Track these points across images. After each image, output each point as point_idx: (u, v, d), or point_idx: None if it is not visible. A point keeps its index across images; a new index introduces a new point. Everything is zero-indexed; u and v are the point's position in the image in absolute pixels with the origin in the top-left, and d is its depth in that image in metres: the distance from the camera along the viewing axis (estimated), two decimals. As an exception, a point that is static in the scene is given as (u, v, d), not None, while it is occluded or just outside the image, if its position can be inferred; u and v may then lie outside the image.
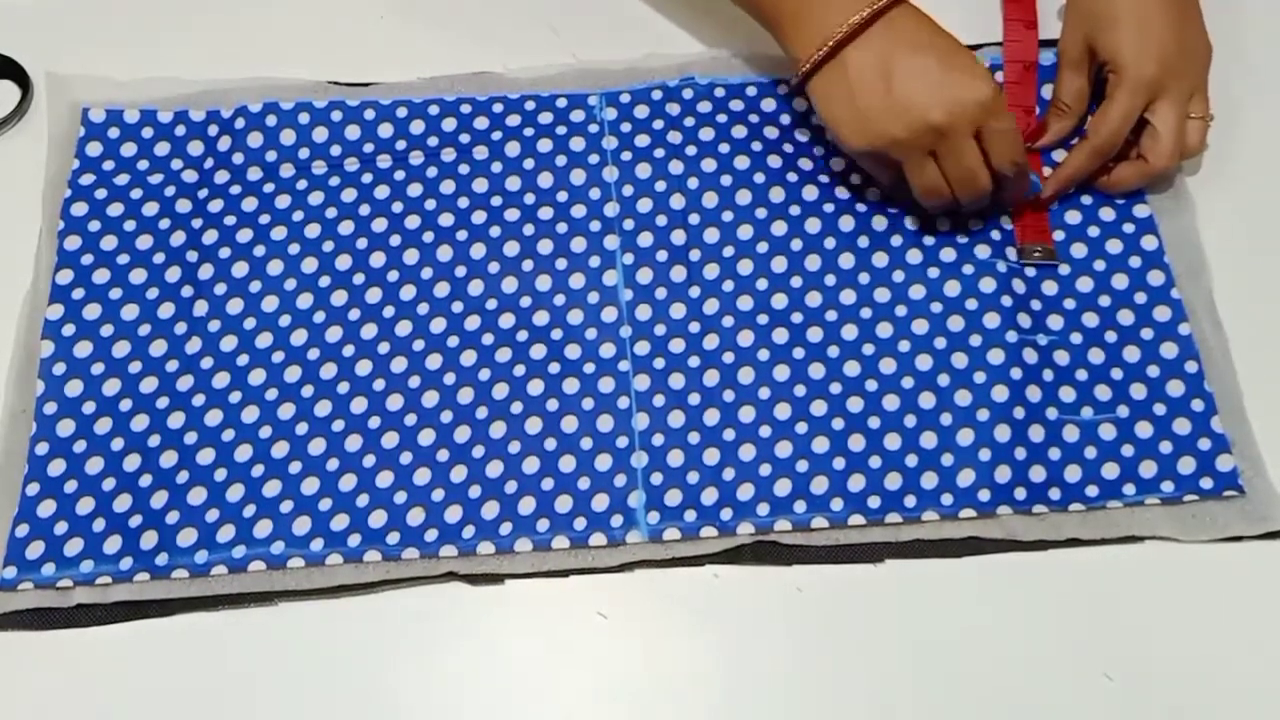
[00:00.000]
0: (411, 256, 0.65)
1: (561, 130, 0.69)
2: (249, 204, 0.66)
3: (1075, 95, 0.67)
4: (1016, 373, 0.61)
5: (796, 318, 0.63)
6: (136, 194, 0.66)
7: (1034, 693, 0.55)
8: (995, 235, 0.65)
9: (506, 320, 0.63)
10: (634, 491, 0.59)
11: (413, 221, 0.66)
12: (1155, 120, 0.64)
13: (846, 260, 0.65)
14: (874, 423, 0.60)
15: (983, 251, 0.64)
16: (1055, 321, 0.63)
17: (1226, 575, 0.57)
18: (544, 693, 0.55)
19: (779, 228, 0.65)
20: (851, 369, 0.62)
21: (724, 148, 0.68)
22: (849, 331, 0.63)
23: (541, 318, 0.63)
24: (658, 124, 0.68)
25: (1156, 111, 0.64)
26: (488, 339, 0.63)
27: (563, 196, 0.67)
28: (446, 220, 0.66)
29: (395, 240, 0.65)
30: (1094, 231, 0.66)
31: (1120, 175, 0.66)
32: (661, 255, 0.65)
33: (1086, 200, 0.67)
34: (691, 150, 0.68)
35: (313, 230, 0.65)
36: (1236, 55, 0.72)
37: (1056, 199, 0.66)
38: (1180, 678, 0.55)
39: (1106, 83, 0.65)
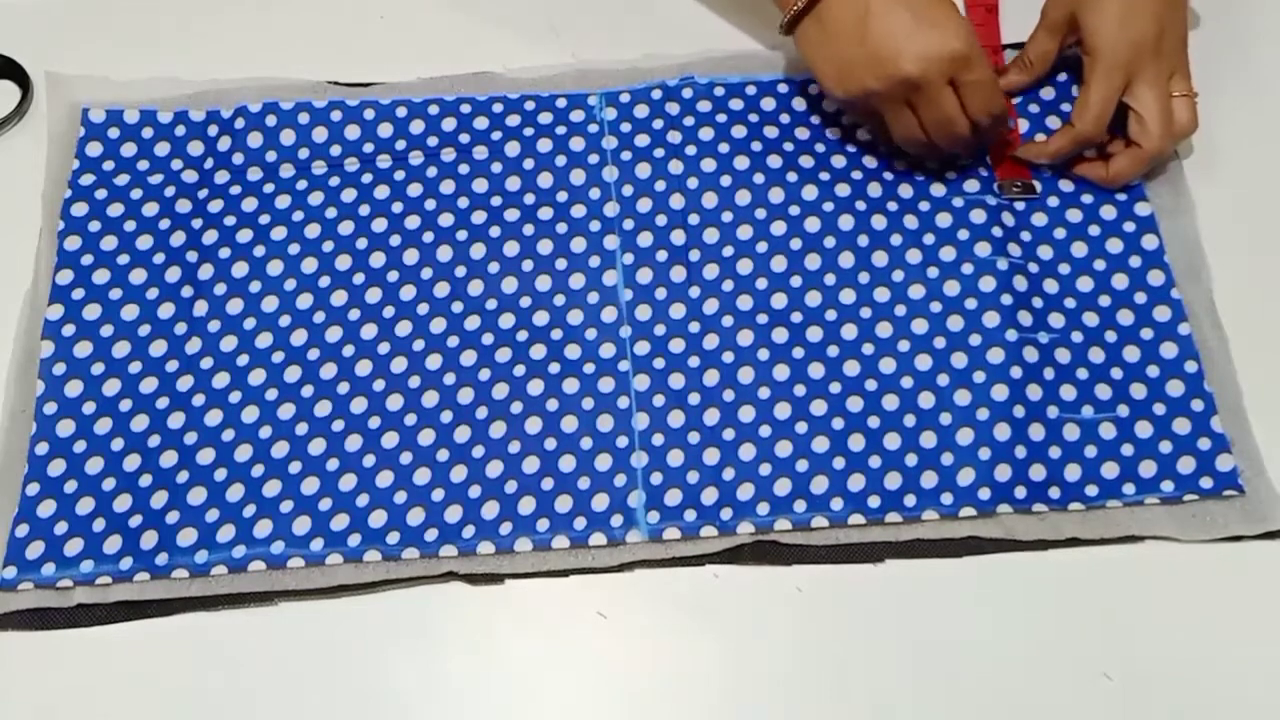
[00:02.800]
0: (411, 256, 0.65)
1: (561, 130, 0.69)
2: (249, 204, 0.66)
3: (1041, 56, 0.68)
4: (1016, 372, 0.61)
5: (796, 317, 0.63)
6: (136, 194, 0.66)
7: (1034, 693, 0.55)
8: (997, 232, 0.65)
9: (506, 320, 0.63)
10: (634, 491, 0.59)
11: (412, 221, 0.66)
12: (1136, 104, 0.64)
13: (846, 259, 0.65)
14: (874, 422, 0.60)
15: (983, 250, 0.64)
16: (1055, 320, 0.63)
17: (1226, 575, 0.57)
18: (544, 693, 0.55)
19: (778, 227, 0.65)
20: (851, 368, 0.62)
21: (724, 147, 0.68)
22: (849, 331, 0.63)
23: (541, 318, 0.63)
24: (657, 124, 0.68)
25: (1135, 94, 0.64)
26: (488, 339, 0.63)
27: (562, 196, 0.67)
28: (446, 220, 0.66)
29: (395, 240, 0.65)
30: (1094, 231, 0.66)
31: (1117, 168, 0.66)
32: (661, 255, 0.65)
33: (1087, 199, 0.67)
34: (691, 150, 0.67)
35: (312, 230, 0.65)
36: (1237, 55, 0.72)
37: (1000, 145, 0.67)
38: (1180, 678, 0.55)
39: (1083, 65, 0.65)
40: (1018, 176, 0.67)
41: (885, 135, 0.65)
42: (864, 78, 0.61)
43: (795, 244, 0.65)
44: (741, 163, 0.67)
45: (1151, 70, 0.64)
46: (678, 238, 0.65)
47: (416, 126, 0.69)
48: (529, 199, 0.67)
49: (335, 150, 0.68)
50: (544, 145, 0.68)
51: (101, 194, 0.66)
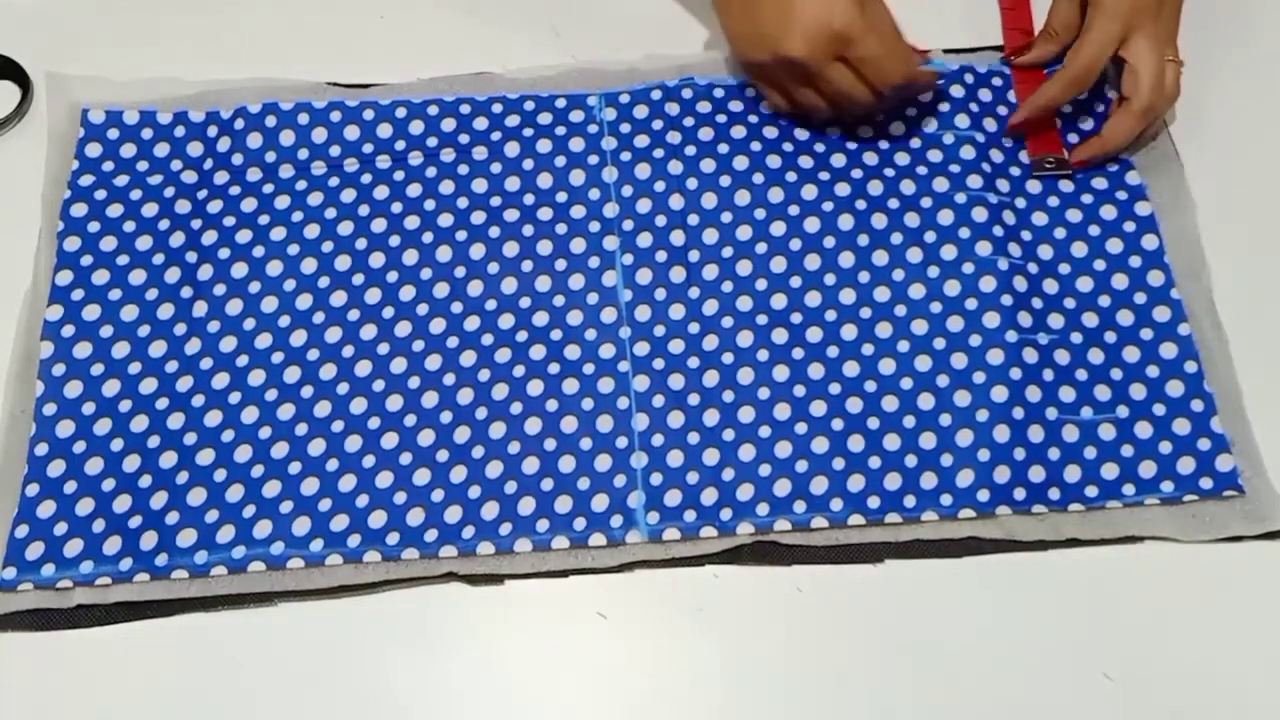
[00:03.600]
0: (411, 257, 0.65)
1: (561, 131, 0.69)
2: (248, 205, 0.66)
3: (1063, 23, 0.69)
4: (1016, 373, 0.61)
5: (796, 318, 0.63)
6: (136, 195, 0.66)
7: (1034, 693, 0.55)
8: (998, 231, 0.65)
9: (506, 321, 0.63)
10: (634, 492, 0.59)
11: (412, 222, 0.66)
12: (1131, 57, 0.65)
13: (846, 259, 0.65)
14: (873, 423, 0.60)
15: (984, 249, 0.64)
16: (1055, 321, 0.63)
17: (1226, 575, 0.57)
18: (544, 693, 0.55)
19: (778, 228, 0.65)
20: (851, 369, 0.62)
21: (723, 148, 0.67)
22: (848, 331, 0.63)
23: (541, 318, 0.63)
24: (657, 124, 0.68)
25: (1131, 47, 0.65)
26: (487, 339, 0.63)
27: (562, 197, 0.67)
28: (446, 221, 0.66)
29: (394, 241, 0.65)
30: (1094, 231, 0.66)
31: (1110, 130, 0.66)
32: (661, 256, 0.65)
33: (1087, 199, 0.67)
34: (691, 150, 0.67)
35: (312, 231, 0.65)
36: (1238, 54, 0.72)
37: (1037, 117, 0.68)
38: (1180, 678, 0.55)
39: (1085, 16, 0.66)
40: (1049, 150, 0.67)
41: (781, 108, 0.67)
42: (754, 53, 0.64)
43: (795, 244, 0.65)
44: (741, 163, 0.67)
45: (1150, 27, 0.65)
46: (677, 238, 0.65)
47: (416, 127, 0.69)
48: (528, 199, 0.67)
49: (335, 151, 0.68)
50: (543, 146, 0.68)
51: (101, 195, 0.66)
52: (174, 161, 0.67)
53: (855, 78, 0.62)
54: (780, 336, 0.63)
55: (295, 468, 0.59)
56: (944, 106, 0.69)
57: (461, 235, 0.65)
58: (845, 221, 0.66)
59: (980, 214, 0.65)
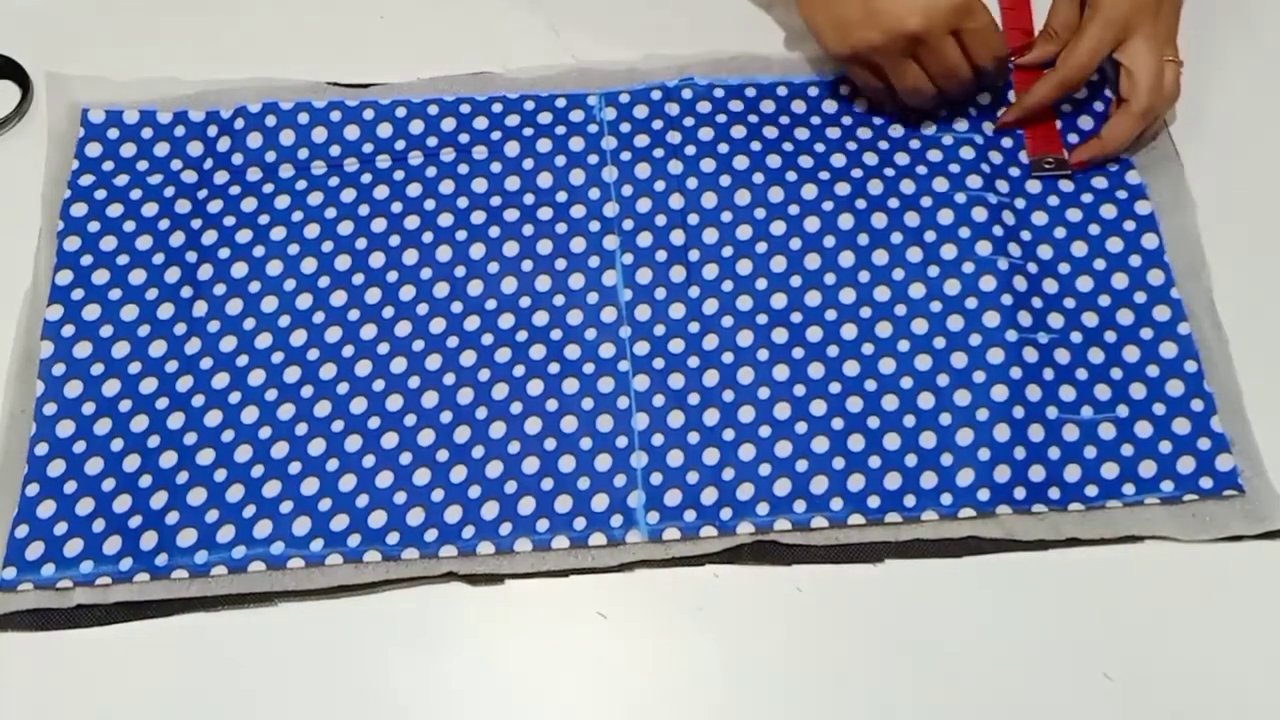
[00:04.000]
0: (411, 257, 0.65)
1: (561, 130, 0.69)
2: (248, 204, 0.66)
3: (1063, 24, 0.69)
4: (1016, 372, 0.61)
5: (796, 317, 0.63)
6: (136, 194, 0.66)
7: (1034, 693, 0.55)
8: (998, 231, 0.65)
9: (506, 320, 0.63)
10: (634, 491, 0.59)
11: (412, 222, 0.66)
12: (1127, 60, 0.65)
13: (846, 259, 0.65)
14: (873, 422, 0.60)
15: (984, 249, 0.64)
16: (1055, 320, 0.63)
17: (1226, 575, 0.57)
18: (544, 693, 0.55)
19: (778, 227, 0.65)
20: (851, 369, 0.62)
21: (723, 148, 0.67)
22: (848, 331, 0.63)
23: (541, 318, 0.63)
24: (657, 124, 0.68)
25: (1129, 49, 0.65)
26: (487, 339, 0.63)
27: (562, 197, 0.67)
28: (446, 220, 0.66)
29: (394, 240, 0.65)
30: (1095, 230, 0.66)
31: (1110, 131, 0.66)
32: (661, 255, 0.65)
33: (1087, 198, 0.67)
34: (690, 150, 0.67)
35: (312, 230, 0.65)
36: (1238, 54, 0.72)
37: (1034, 116, 0.68)
38: (1180, 678, 0.55)
39: (1083, 15, 0.66)
40: (1049, 150, 0.68)
41: (883, 96, 0.67)
42: (868, 34, 0.62)
43: (795, 244, 0.65)
44: (741, 162, 0.67)
45: (1149, 28, 0.65)
46: (677, 238, 0.65)
47: (416, 127, 0.69)
48: (528, 199, 0.67)
49: (335, 150, 0.68)
50: (543, 145, 0.68)
51: (101, 194, 0.66)
52: (174, 161, 0.67)
53: (960, 54, 0.63)
54: (780, 336, 0.63)
55: (295, 467, 0.59)
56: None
57: (461, 235, 0.65)
58: (845, 221, 0.66)
59: (980, 213, 0.65)
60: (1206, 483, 0.59)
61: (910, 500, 0.59)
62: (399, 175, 0.67)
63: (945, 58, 0.63)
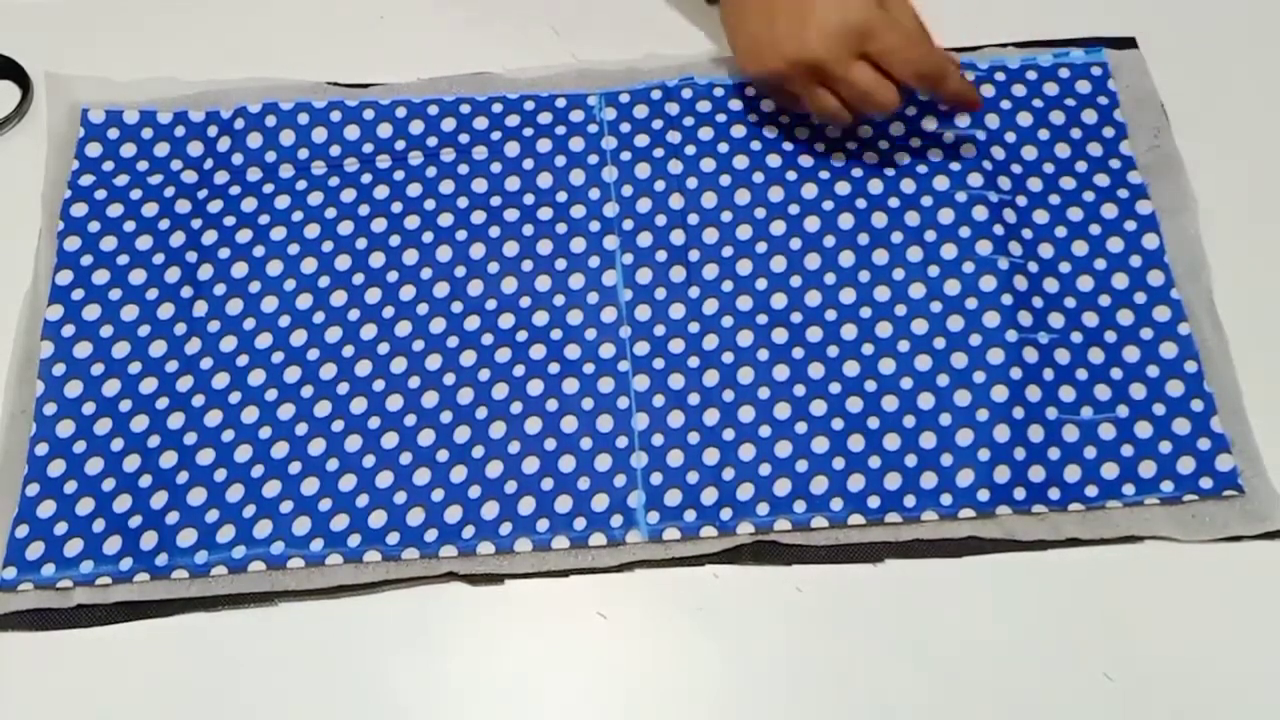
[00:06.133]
0: (411, 257, 0.65)
1: (561, 130, 0.69)
2: (248, 204, 0.66)
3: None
4: (1016, 372, 0.61)
5: (796, 317, 0.63)
6: (136, 195, 0.66)
7: (1034, 693, 0.55)
8: (998, 230, 0.64)
9: (506, 320, 0.63)
10: (634, 491, 0.59)
11: (412, 222, 0.66)
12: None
13: (846, 259, 0.65)
14: (873, 423, 0.60)
15: (984, 248, 0.64)
16: (1055, 320, 0.63)
17: (1226, 575, 0.57)
18: (544, 693, 0.55)
19: (778, 227, 0.65)
20: (851, 369, 0.62)
21: (723, 147, 0.68)
22: (848, 331, 0.63)
23: (541, 318, 0.63)
24: (657, 124, 0.68)
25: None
26: (487, 339, 0.63)
27: (562, 197, 0.67)
28: (446, 220, 0.66)
29: (394, 240, 0.65)
30: (1095, 230, 0.66)
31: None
32: (661, 255, 0.65)
33: (1089, 197, 0.67)
34: (690, 150, 0.67)
35: (312, 230, 0.65)
36: (1238, 54, 0.72)
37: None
38: (1180, 678, 0.55)
39: None
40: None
41: (807, 111, 0.65)
42: (771, 60, 0.62)
43: (795, 243, 0.65)
44: (741, 162, 0.67)
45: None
46: (677, 238, 0.65)
47: (416, 127, 0.69)
48: (528, 199, 0.67)
49: (335, 150, 0.68)
50: (543, 145, 0.68)
51: (101, 194, 0.66)
52: (174, 161, 0.68)
53: (877, 76, 0.61)
54: (780, 336, 0.63)
55: (295, 467, 0.59)
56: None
57: (461, 235, 0.65)
58: (845, 220, 0.66)
59: (981, 213, 0.65)
60: (1206, 483, 0.59)
61: (910, 500, 0.59)
62: (399, 175, 0.67)
63: (854, 83, 0.60)
